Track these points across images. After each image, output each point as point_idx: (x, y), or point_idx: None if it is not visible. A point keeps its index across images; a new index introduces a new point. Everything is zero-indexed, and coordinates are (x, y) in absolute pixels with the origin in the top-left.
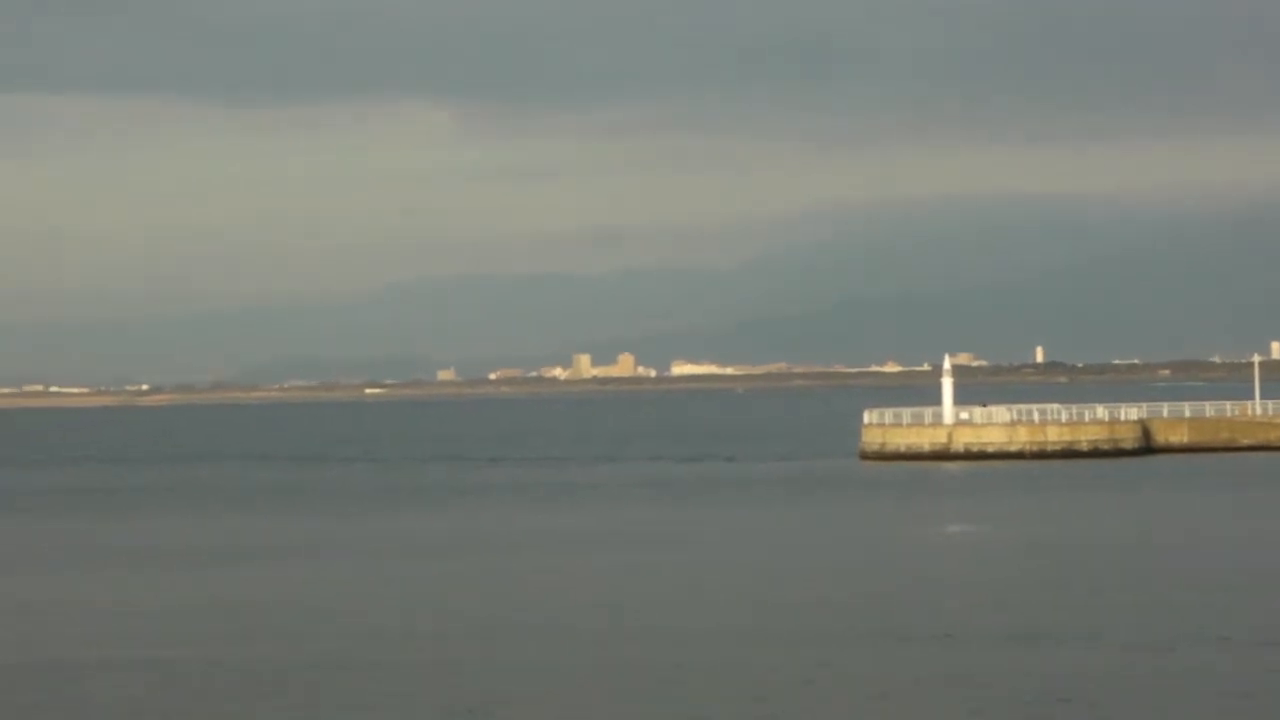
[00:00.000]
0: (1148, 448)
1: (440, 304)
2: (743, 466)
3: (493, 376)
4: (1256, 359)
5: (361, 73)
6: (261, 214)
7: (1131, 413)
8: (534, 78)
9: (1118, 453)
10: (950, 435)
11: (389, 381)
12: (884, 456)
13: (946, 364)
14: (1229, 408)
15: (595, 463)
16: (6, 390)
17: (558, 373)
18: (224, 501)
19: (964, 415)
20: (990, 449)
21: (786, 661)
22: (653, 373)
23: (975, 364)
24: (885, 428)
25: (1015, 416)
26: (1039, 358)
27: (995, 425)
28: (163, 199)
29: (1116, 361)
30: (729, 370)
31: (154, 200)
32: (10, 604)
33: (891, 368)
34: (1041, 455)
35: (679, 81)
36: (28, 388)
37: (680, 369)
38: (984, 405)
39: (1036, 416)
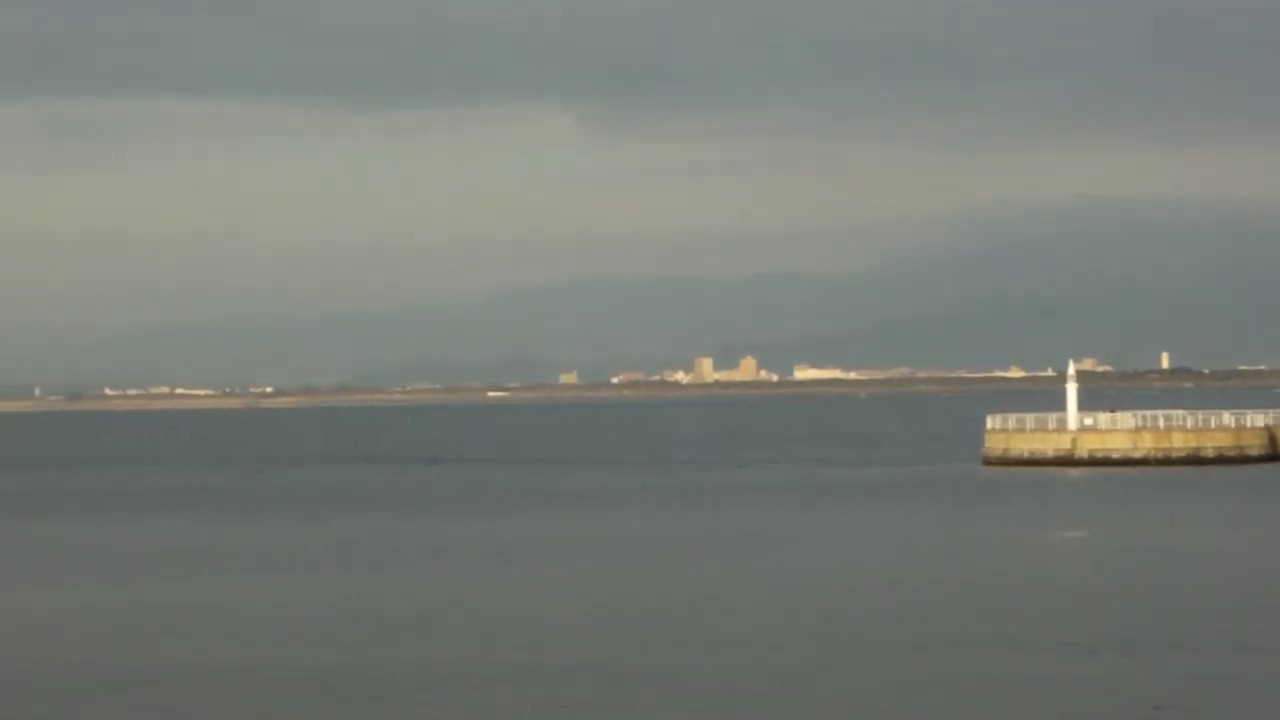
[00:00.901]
0: (1274, 454)
1: (563, 307)
2: (865, 471)
3: (615, 380)
4: None
5: (487, 76)
6: (387, 217)
7: (1258, 419)
8: (659, 81)
9: (1243, 459)
10: (1074, 441)
11: (511, 385)
12: (1007, 462)
13: (1071, 369)
14: None
15: (717, 467)
16: (133, 392)
17: (680, 376)
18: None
19: (1088, 421)
20: (1114, 455)
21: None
22: (775, 377)
23: (1100, 369)
24: (1008, 433)
25: (1140, 422)
26: (1164, 363)
27: (1120, 431)
28: (289, 202)
29: (1243, 367)
30: (852, 375)
31: (281, 203)
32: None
33: (1015, 373)
34: (1166, 462)
35: (805, 84)
36: (153, 389)
37: (803, 373)
38: (1111, 411)
39: (1162, 422)
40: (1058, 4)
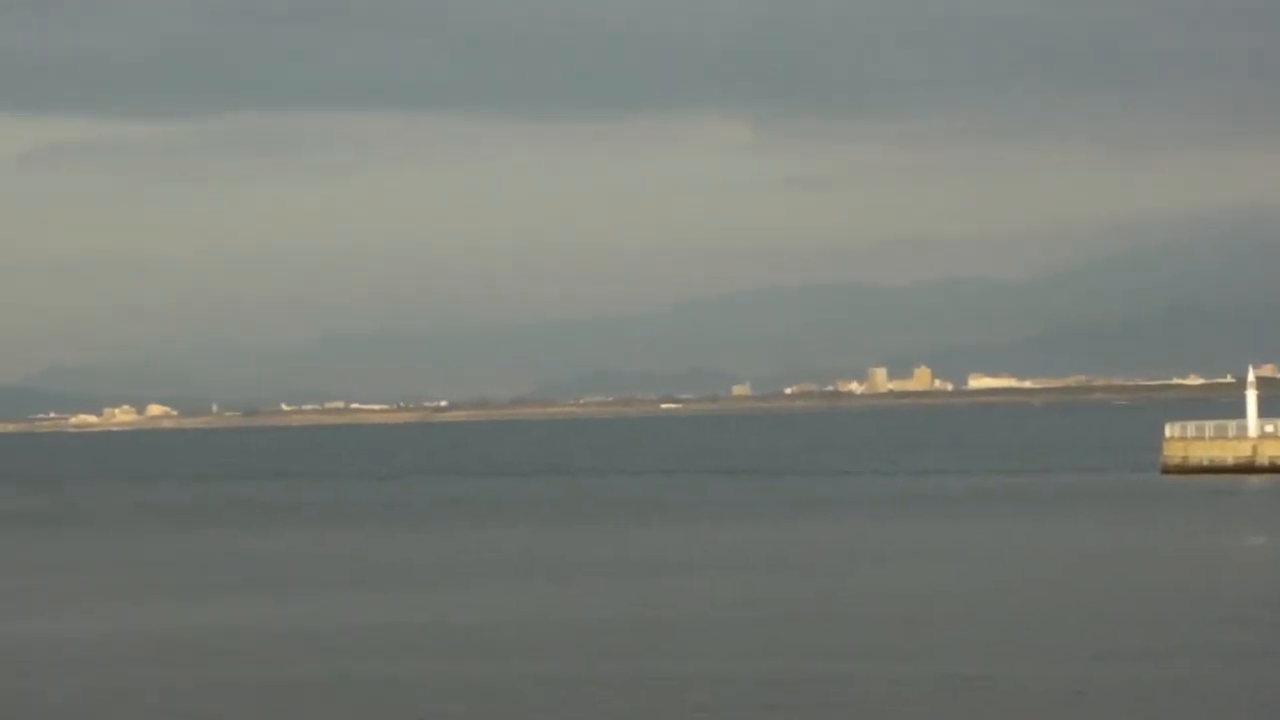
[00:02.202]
0: None
1: (737, 317)
2: (1042, 480)
3: (788, 391)
4: None
5: (661, 86)
6: (560, 228)
7: None
8: (833, 87)
9: None
10: (1255, 448)
11: (684, 396)
12: (1186, 470)
13: (1251, 375)
14: None
15: (889, 477)
16: (309, 407)
17: (853, 386)
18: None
19: (1269, 428)
20: None
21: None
22: (949, 386)
23: None
24: (1187, 441)
25: None
26: None
27: None
28: (465, 214)
29: None
30: (1027, 384)
31: (456, 215)
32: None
33: (1194, 380)
34: None
35: (981, 89)
36: (329, 405)
37: (977, 382)
38: None
39: None
40: (1234, 3)
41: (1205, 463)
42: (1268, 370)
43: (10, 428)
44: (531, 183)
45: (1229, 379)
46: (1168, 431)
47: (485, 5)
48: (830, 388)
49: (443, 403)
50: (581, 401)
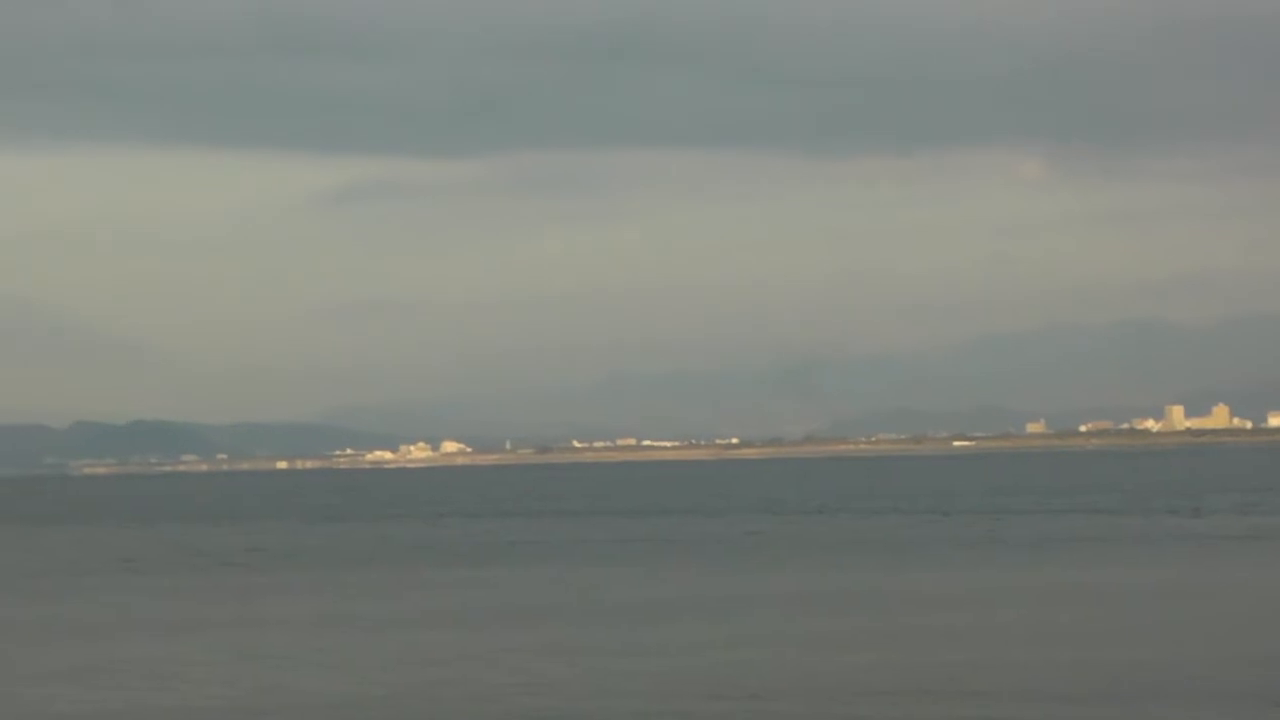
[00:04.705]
0: None
1: (1031, 354)
2: None
3: (1083, 429)
4: None
5: (950, 120)
6: (850, 265)
7: None
8: (1127, 120)
9: None
10: None
11: (977, 434)
12: None
13: None
14: None
15: (1164, 515)
16: (600, 444)
17: (1150, 424)
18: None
19: None
20: None
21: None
22: (1248, 424)
23: None
24: None
25: None
26: None
27: None
28: (753, 252)
29: None
30: None
31: (743, 253)
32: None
33: None
34: None
35: (1275, 120)
36: (620, 442)
37: (1277, 419)
38: None
39: None
40: None
41: None
42: None
43: (309, 464)
44: (821, 219)
45: None
46: None
47: (769, 40)
48: (1126, 425)
49: (734, 440)
50: (874, 439)
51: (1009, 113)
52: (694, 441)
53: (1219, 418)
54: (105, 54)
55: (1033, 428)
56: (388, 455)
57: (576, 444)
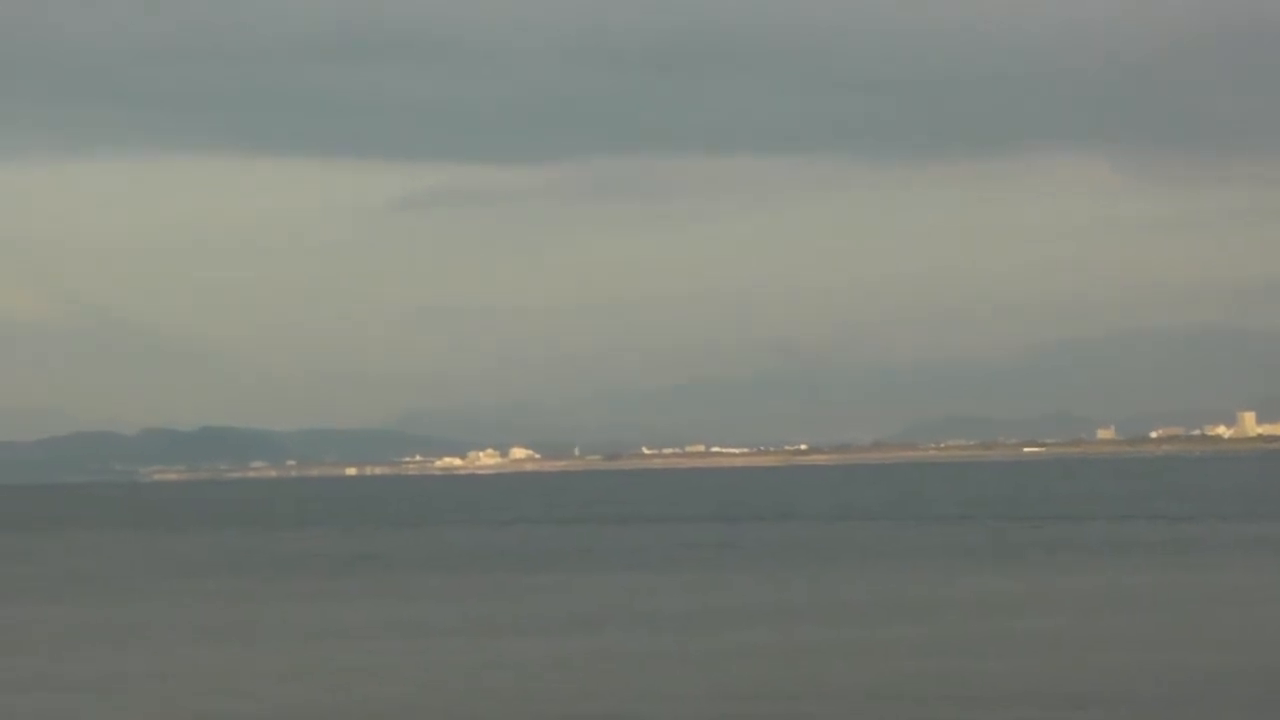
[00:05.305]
0: None
1: (1102, 360)
2: None
3: (1154, 435)
4: None
5: (1019, 125)
6: (919, 271)
7: None
8: (1196, 126)
9: None
10: None
11: (1048, 441)
12: None
13: None
14: None
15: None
16: (669, 451)
17: (1221, 430)
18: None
19: None
20: None
21: None
22: None
23: None
24: None
25: None
26: None
27: None
28: (820, 258)
29: None
30: None
31: (812, 259)
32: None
33: None
34: None
35: None
36: (689, 448)
37: None
38: None
39: None
40: None
41: None
42: None
43: (378, 470)
44: (888, 225)
45: None
46: None
47: (827, 44)
48: (1197, 431)
49: (803, 445)
50: (944, 445)
51: (1085, 115)
52: (763, 448)
53: None
54: (183, 62)
55: (1103, 434)
56: (457, 462)
57: (646, 450)
